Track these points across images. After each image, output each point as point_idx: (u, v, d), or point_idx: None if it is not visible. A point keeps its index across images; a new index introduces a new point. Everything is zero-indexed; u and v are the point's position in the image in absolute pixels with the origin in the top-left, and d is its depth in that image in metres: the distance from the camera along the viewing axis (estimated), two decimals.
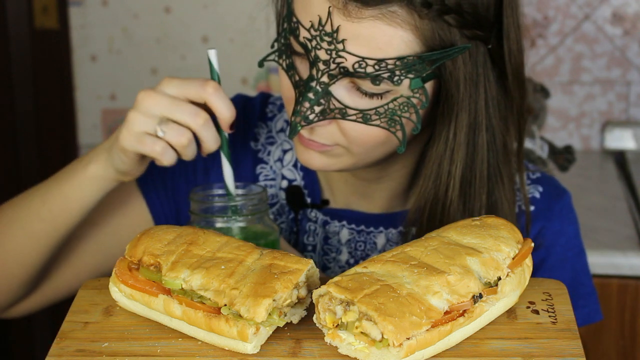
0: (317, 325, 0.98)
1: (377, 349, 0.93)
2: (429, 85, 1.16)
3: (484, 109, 1.20)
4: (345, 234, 1.36)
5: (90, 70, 2.88)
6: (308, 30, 1.14)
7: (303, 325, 1.02)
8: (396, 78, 1.13)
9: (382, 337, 0.93)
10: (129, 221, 1.40)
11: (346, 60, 1.13)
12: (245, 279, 0.98)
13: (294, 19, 1.17)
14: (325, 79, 1.15)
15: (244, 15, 2.76)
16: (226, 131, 1.20)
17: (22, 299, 1.39)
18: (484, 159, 1.22)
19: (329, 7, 1.12)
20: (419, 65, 1.13)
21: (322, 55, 1.14)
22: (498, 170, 1.24)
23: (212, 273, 0.99)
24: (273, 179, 1.40)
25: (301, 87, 1.17)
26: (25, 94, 2.93)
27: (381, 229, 1.36)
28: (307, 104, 1.16)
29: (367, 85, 1.14)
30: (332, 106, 1.16)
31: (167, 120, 1.17)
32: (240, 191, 1.24)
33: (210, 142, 1.19)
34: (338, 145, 1.20)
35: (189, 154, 1.19)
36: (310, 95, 1.16)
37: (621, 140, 2.64)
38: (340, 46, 1.12)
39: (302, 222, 1.38)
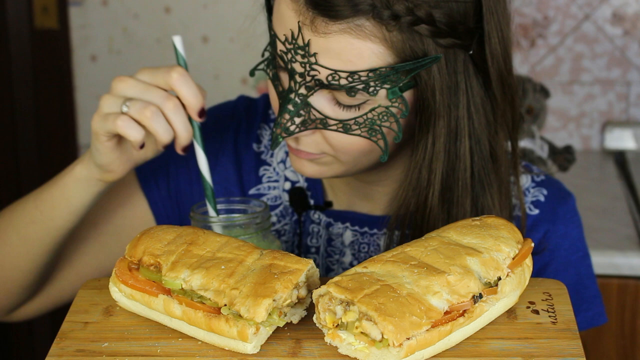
0: (317, 325, 0.98)
1: (377, 349, 0.93)
2: (408, 94, 1.16)
3: (466, 116, 1.19)
4: (348, 236, 1.36)
5: (90, 70, 2.88)
6: (283, 44, 1.15)
7: (303, 325, 1.02)
8: (371, 89, 1.13)
9: (382, 337, 0.93)
10: (130, 221, 1.39)
11: (319, 73, 1.13)
12: (245, 279, 0.98)
13: (272, 32, 1.18)
14: (303, 90, 1.15)
15: (244, 15, 2.76)
16: (195, 119, 1.18)
17: (25, 303, 1.39)
18: (467, 166, 1.21)
19: (298, 22, 1.13)
20: (394, 75, 1.13)
21: (297, 68, 1.15)
22: (485, 176, 1.23)
23: (212, 273, 0.99)
24: (276, 181, 1.39)
25: (282, 98, 1.18)
26: (25, 94, 2.93)
27: (385, 230, 1.35)
28: (287, 116, 1.16)
29: (343, 97, 1.14)
30: (312, 117, 1.16)
31: (134, 99, 1.16)
32: (242, 207, 1.23)
33: (181, 128, 1.17)
34: (325, 153, 1.21)
35: (160, 129, 1.16)
36: (290, 107, 1.16)
37: (621, 140, 2.64)
38: (312, 59, 1.13)
39: (305, 223, 1.37)
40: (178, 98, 1.18)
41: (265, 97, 1.45)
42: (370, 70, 1.12)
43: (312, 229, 1.37)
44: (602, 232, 2.10)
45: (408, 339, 0.92)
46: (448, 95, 1.17)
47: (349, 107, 1.15)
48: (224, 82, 2.81)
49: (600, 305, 1.38)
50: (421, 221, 1.22)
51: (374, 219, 1.36)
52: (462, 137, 1.19)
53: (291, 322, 1.01)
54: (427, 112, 1.17)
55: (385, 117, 1.15)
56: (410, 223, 1.24)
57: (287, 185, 1.39)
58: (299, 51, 1.14)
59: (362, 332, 0.94)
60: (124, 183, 1.37)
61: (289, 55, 1.15)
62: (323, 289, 0.97)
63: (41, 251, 1.32)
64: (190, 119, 1.19)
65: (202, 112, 1.18)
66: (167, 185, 1.39)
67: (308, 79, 1.14)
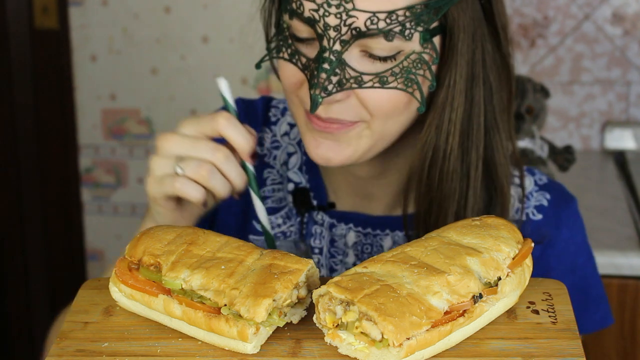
0: (317, 325, 0.98)
1: (377, 349, 0.93)
2: (435, 41, 1.18)
3: (481, 61, 1.22)
4: (352, 237, 1.36)
5: (90, 70, 2.88)
6: (313, 1, 1.15)
7: (303, 325, 1.02)
8: (407, 32, 1.14)
9: (382, 337, 0.93)
10: None
11: (357, 19, 1.13)
12: (245, 279, 0.98)
13: (285, 14, 1.17)
14: (337, 46, 1.15)
15: (244, 15, 2.76)
16: (247, 161, 1.18)
17: None
18: (481, 112, 1.23)
19: None
20: (426, 15, 1.15)
21: (332, 21, 1.14)
22: (495, 124, 1.25)
23: (212, 273, 0.99)
24: (280, 183, 1.39)
25: (312, 65, 1.17)
26: (25, 94, 2.93)
27: (387, 231, 1.36)
28: (324, 75, 1.15)
29: (380, 44, 1.15)
30: (347, 75, 1.16)
31: (185, 159, 1.16)
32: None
33: (235, 177, 1.16)
34: (360, 121, 1.20)
35: (217, 186, 1.15)
36: (326, 65, 1.15)
37: (621, 140, 2.64)
38: (349, 6, 1.13)
39: (308, 225, 1.37)
40: (227, 144, 1.17)
41: (264, 100, 1.45)
42: (407, 9, 1.14)
43: (314, 230, 1.37)
44: (602, 232, 2.10)
45: (408, 339, 0.92)
46: (469, 37, 1.20)
47: (383, 60, 1.16)
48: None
49: (607, 306, 1.38)
50: (442, 161, 1.23)
51: (377, 220, 1.36)
52: (478, 82, 1.22)
53: (291, 322, 1.01)
54: (452, 51, 1.19)
55: (419, 65, 1.17)
56: (430, 163, 1.24)
57: (291, 187, 1.39)
58: (333, 2, 1.13)
59: (362, 332, 0.94)
60: None
61: (321, 11, 1.14)
62: (323, 289, 0.97)
63: None
64: (244, 167, 1.18)
65: (254, 155, 1.18)
66: None
67: (344, 30, 1.14)
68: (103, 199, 2.97)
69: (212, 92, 2.81)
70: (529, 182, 1.36)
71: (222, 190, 1.16)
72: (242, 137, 1.16)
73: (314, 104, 1.15)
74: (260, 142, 1.41)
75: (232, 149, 1.17)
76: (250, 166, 1.19)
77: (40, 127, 2.95)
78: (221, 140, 1.17)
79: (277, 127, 1.42)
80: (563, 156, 2.21)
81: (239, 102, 1.44)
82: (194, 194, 1.15)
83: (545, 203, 1.35)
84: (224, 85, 1.19)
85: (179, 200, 1.20)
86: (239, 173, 1.17)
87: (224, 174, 1.16)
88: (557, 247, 1.34)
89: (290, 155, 1.40)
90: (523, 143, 2.12)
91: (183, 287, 1.00)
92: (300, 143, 1.41)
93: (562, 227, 1.35)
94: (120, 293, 1.05)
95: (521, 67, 2.67)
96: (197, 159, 1.15)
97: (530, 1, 2.64)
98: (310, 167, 1.39)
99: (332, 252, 1.36)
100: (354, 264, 1.36)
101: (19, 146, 2.96)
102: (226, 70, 2.79)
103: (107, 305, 1.07)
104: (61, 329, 1.03)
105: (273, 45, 1.22)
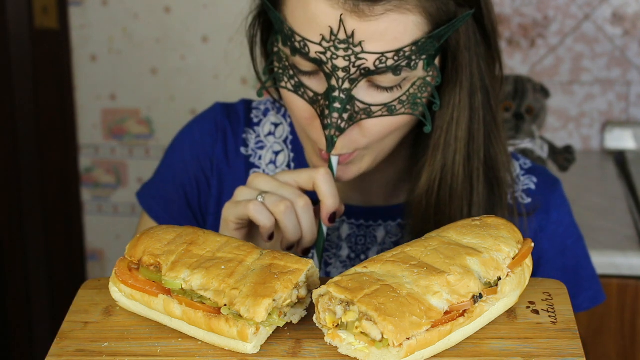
0: (317, 325, 0.98)
1: (377, 349, 0.93)
2: (436, 61, 1.19)
3: (477, 70, 1.23)
4: (345, 230, 1.37)
5: (90, 70, 2.88)
6: (319, 44, 1.14)
7: (303, 325, 1.02)
8: (412, 63, 1.15)
9: (382, 337, 0.93)
10: None
11: (367, 61, 1.14)
12: (245, 279, 0.98)
13: (298, 38, 1.16)
14: (346, 85, 1.16)
15: (244, 15, 2.76)
16: (325, 220, 1.20)
17: None
18: (481, 119, 1.25)
19: (340, 15, 1.12)
20: (430, 45, 1.15)
21: (340, 63, 1.14)
22: (493, 123, 1.26)
23: (212, 273, 0.99)
24: None
25: (321, 101, 1.18)
26: (25, 94, 2.93)
27: (380, 222, 1.37)
28: (336, 115, 1.17)
29: (387, 79, 1.15)
30: (356, 109, 1.17)
31: (269, 192, 1.18)
32: None
33: (307, 227, 1.18)
34: (357, 150, 1.22)
35: (289, 225, 1.17)
36: (337, 105, 1.16)
37: (621, 140, 2.64)
38: (358, 49, 1.13)
39: None
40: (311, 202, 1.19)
41: (244, 102, 1.45)
42: (413, 44, 1.14)
43: None
44: (602, 232, 2.10)
45: (408, 339, 0.92)
46: (466, 51, 1.21)
47: (390, 88, 1.17)
48: (224, 82, 2.81)
49: (599, 284, 1.41)
50: (451, 179, 1.24)
51: (370, 211, 1.37)
52: (476, 91, 1.23)
53: (291, 322, 1.01)
54: (456, 71, 1.20)
55: (424, 89, 1.18)
56: (439, 184, 1.25)
57: None
58: (341, 45, 1.14)
59: (362, 332, 0.94)
60: None
61: (329, 54, 1.14)
62: (323, 289, 0.97)
63: None
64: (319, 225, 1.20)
65: (332, 217, 1.19)
66: None
67: (353, 70, 1.15)
68: (103, 199, 2.97)
69: (213, 92, 2.82)
70: (514, 167, 1.37)
71: (291, 230, 1.18)
72: (332, 194, 1.19)
73: (330, 144, 1.18)
74: (245, 143, 1.41)
75: (315, 212, 1.20)
76: (325, 229, 1.21)
77: (40, 127, 2.95)
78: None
79: (261, 128, 1.42)
80: (563, 156, 2.21)
81: (219, 106, 1.44)
82: (263, 220, 1.17)
83: (532, 187, 1.37)
84: (335, 162, 1.22)
85: (249, 231, 1.22)
86: (312, 226, 1.19)
87: (298, 220, 1.18)
88: (548, 230, 1.36)
89: (277, 153, 1.40)
90: (523, 143, 2.12)
91: (183, 287, 1.00)
92: (287, 141, 1.41)
93: (551, 210, 1.37)
94: (120, 293, 1.05)
95: (521, 67, 2.67)
96: (279, 196, 1.18)
97: (530, 1, 2.64)
98: (299, 163, 1.40)
99: (325, 246, 1.37)
100: (348, 256, 1.36)
101: (18, 146, 2.96)
102: (226, 71, 2.79)
103: (107, 305, 1.08)
104: (61, 329, 1.03)
105: (266, 72, 1.23)
